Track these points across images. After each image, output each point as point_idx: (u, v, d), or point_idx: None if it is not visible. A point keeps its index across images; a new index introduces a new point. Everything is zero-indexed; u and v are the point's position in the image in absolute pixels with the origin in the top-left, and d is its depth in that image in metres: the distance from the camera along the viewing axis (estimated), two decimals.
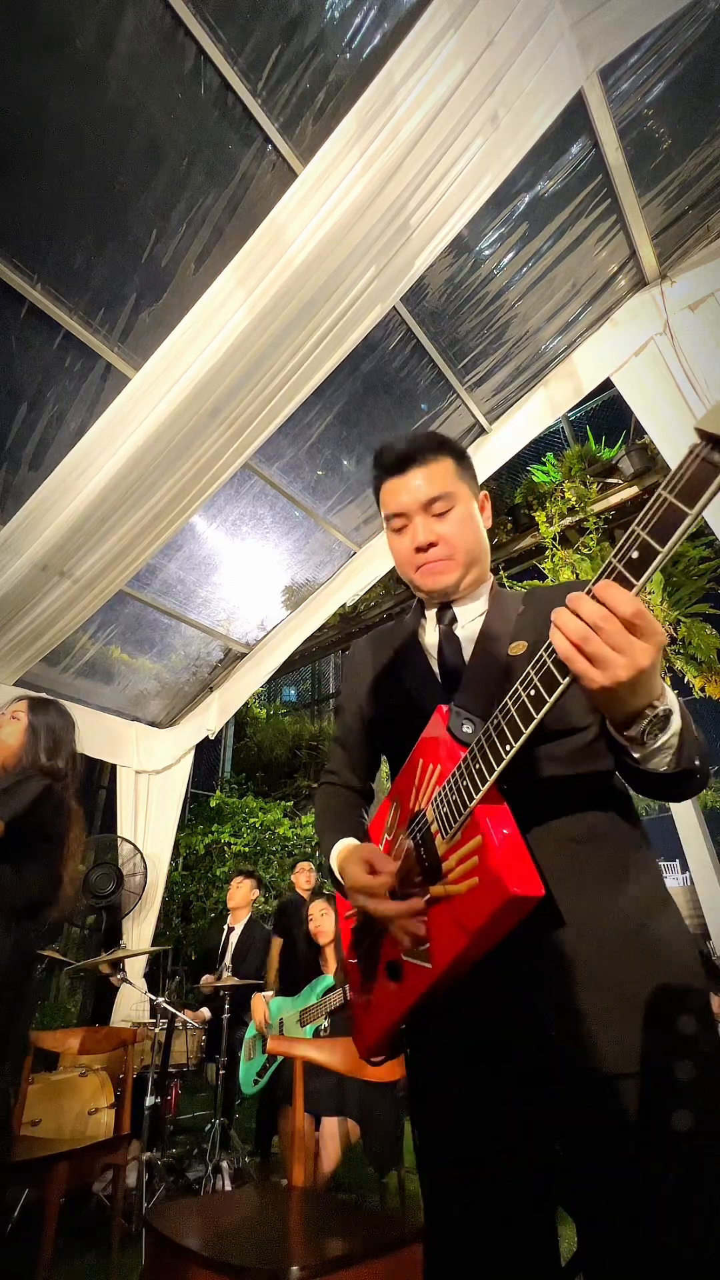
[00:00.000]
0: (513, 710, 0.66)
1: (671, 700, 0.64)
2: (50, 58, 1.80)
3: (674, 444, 2.67)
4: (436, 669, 0.94)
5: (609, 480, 5.23)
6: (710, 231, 2.62)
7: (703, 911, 3.95)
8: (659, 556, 0.54)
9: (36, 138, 1.92)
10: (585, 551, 4.89)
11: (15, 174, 1.98)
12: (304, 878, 4.18)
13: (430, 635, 1.00)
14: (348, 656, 1.16)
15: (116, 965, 3.11)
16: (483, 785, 0.69)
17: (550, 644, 0.61)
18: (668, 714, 0.63)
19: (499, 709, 0.68)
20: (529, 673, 0.65)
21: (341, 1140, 2.32)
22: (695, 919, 4.08)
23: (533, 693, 0.64)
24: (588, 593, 0.58)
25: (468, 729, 0.76)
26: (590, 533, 4.98)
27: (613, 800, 0.82)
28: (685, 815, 4.06)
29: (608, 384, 3.01)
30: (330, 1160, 2.29)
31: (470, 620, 0.96)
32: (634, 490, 5.06)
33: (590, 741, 0.82)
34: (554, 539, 5.03)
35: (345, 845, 0.92)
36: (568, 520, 5.13)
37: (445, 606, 0.99)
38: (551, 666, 0.62)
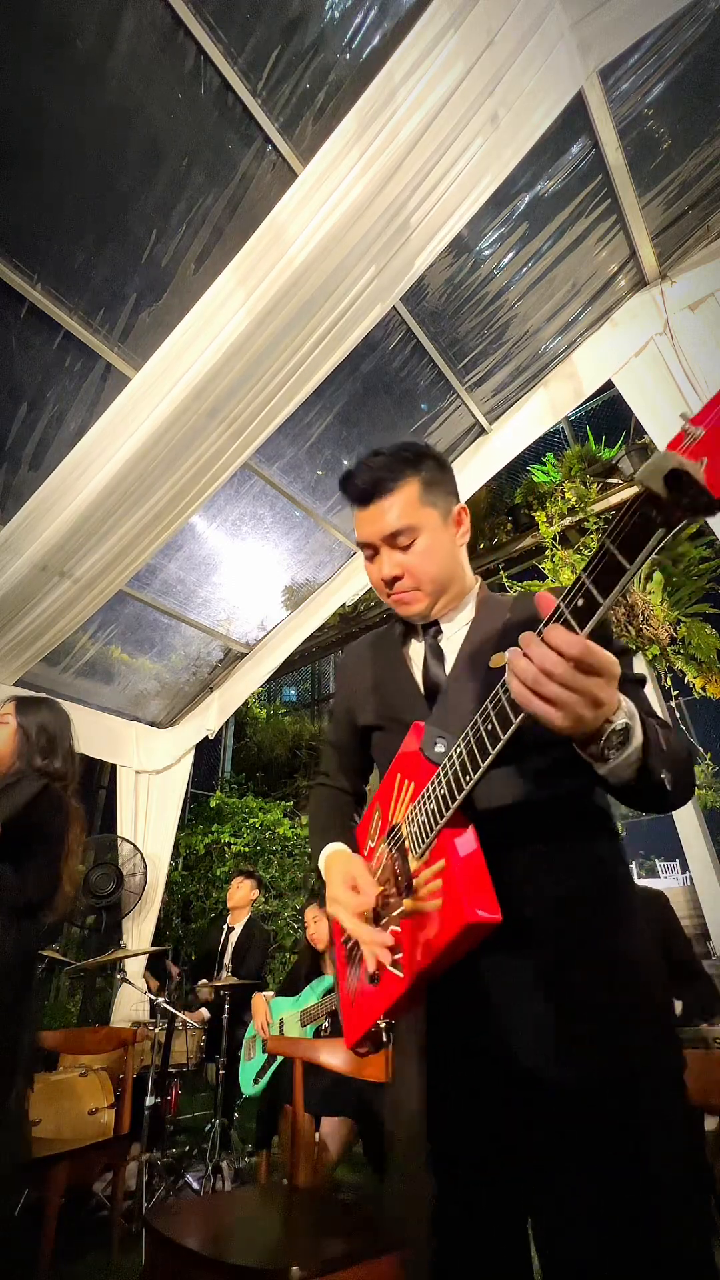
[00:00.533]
0: (473, 743, 0.67)
1: (628, 715, 0.63)
2: (50, 58, 1.80)
3: None
4: (420, 681, 0.95)
5: (609, 480, 5.23)
6: (710, 231, 2.62)
7: (703, 912, 3.94)
8: (601, 607, 0.54)
9: (36, 138, 1.92)
10: (585, 552, 4.89)
11: (15, 174, 1.98)
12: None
13: (415, 646, 1.00)
14: (341, 660, 1.17)
15: (163, 983, 3.06)
16: (446, 811, 0.71)
17: (504, 681, 0.62)
18: (625, 729, 0.63)
19: (461, 739, 0.70)
20: (487, 707, 0.66)
21: (341, 1140, 2.32)
22: (695, 919, 4.07)
23: (489, 727, 0.65)
24: (538, 633, 0.59)
25: (439, 748, 0.77)
26: (590, 533, 4.98)
27: (588, 813, 0.82)
28: (685, 815, 4.06)
29: (608, 384, 3.01)
30: (330, 1160, 2.29)
31: (455, 632, 0.97)
32: (634, 490, 5.05)
33: (569, 754, 0.80)
34: (554, 539, 5.03)
35: (333, 850, 0.95)
36: (568, 520, 5.13)
37: (431, 622, 0.99)
38: (505, 704, 0.63)
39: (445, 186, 2.10)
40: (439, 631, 0.97)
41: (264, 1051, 2.82)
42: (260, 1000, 2.98)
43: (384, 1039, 0.85)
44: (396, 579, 0.92)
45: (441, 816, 0.71)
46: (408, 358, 2.92)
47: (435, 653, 0.95)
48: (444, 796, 0.71)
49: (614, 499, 5.13)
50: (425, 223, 2.16)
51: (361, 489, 0.93)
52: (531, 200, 2.44)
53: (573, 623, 0.56)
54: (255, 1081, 2.81)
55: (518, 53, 1.89)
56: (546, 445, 6.10)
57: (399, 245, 2.19)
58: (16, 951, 1.55)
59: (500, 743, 0.63)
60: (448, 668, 0.93)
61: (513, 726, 0.62)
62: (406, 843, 0.79)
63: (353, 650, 1.12)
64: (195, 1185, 2.58)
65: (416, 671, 0.96)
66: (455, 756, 0.70)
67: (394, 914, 0.79)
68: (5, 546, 2.75)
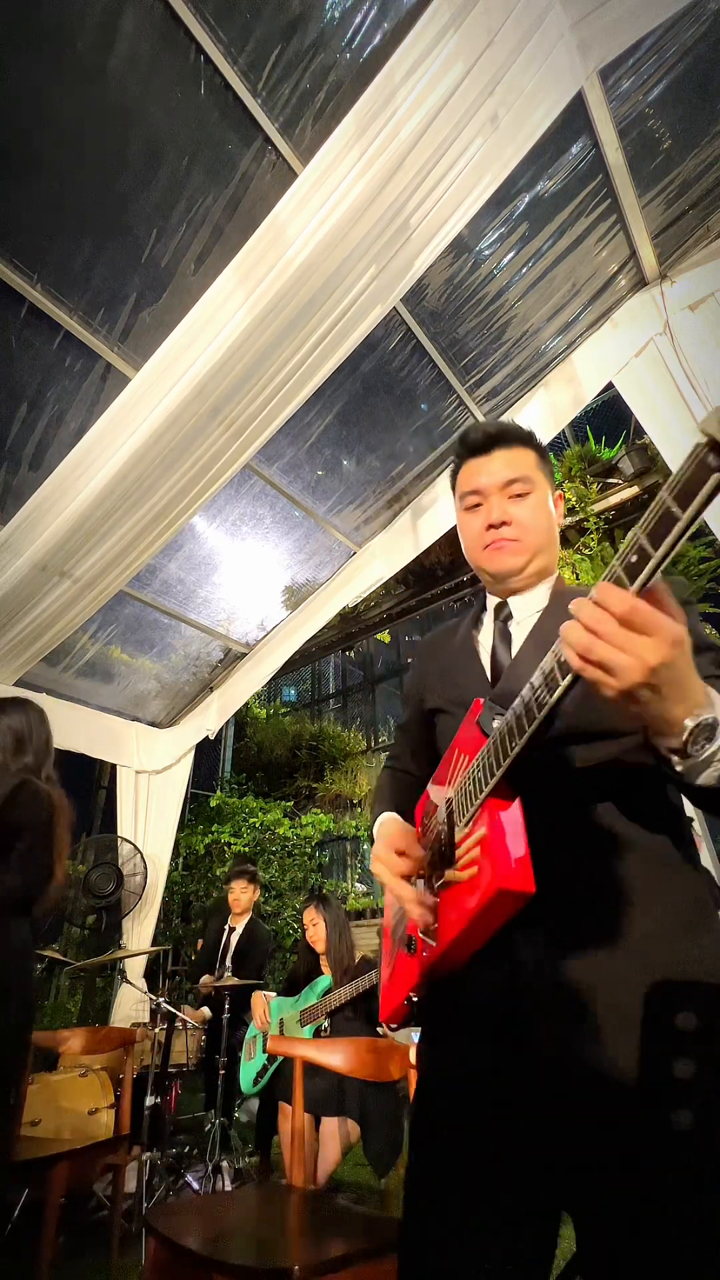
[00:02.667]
0: (520, 710, 0.67)
1: (715, 710, 0.59)
2: (50, 58, 1.80)
3: (674, 444, 2.67)
4: (487, 665, 0.95)
5: (609, 480, 5.23)
6: (710, 231, 2.62)
7: None
8: (653, 560, 0.53)
9: (36, 138, 1.92)
10: (586, 552, 4.89)
11: (15, 174, 1.98)
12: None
13: (485, 632, 1.01)
14: (416, 647, 1.21)
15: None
16: (490, 779, 0.70)
17: (555, 647, 0.61)
18: (713, 725, 0.58)
19: (512, 707, 0.69)
20: (537, 674, 0.65)
21: (341, 1140, 2.32)
22: None
23: (538, 696, 0.64)
24: (590, 596, 0.57)
25: (496, 723, 0.76)
26: (591, 533, 4.98)
27: (653, 811, 0.78)
28: None
29: (608, 384, 3.01)
30: (330, 1160, 2.29)
31: (526, 616, 0.97)
32: (634, 490, 5.06)
33: (634, 748, 0.78)
34: None
35: (386, 818, 0.98)
36: (568, 520, 5.13)
37: (503, 604, 0.99)
38: (556, 668, 0.62)
39: (445, 186, 2.09)
40: (510, 616, 0.98)
41: (264, 1051, 2.82)
42: (260, 998, 2.98)
43: (413, 1011, 0.86)
44: (504, 524, 0.94)
45: (486, 785, 0.71)
46: (408, 358, 2.92)
47: (504, 637, 0.96)
48: (490, 765, 0.71)
49: (614, 499, 5.13)
50: (425, 223, 2.16)
51: (486, 435, 0.99)
52: (531, 200, 2.44)
53: (624, 579, 0.55)
54: (255, 1082, 2.81)
55: (518, 53, 1.89)
56: (546, 445, 6.09)
57: (399, 245, 2.19)
58: (4, 947, 1.55)
59: (545, 708, 0.62)
60: (513, 652, 0.93)
61: (559, 689, 0.61)
62: (454, 814, 0.80)
63: (427, 638, 1.14)
64: (195, 1185, 2.58)
65: (484, 655, 0.97)
66: (505, 726, 0.70)
67: (436, 884, 0.80)
68: (5, 546, 2.75)
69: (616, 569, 0.56)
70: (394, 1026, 0.91)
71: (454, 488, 1.04)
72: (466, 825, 0.75)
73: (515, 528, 0.95)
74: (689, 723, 0.57)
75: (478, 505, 0.98)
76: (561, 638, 0.59)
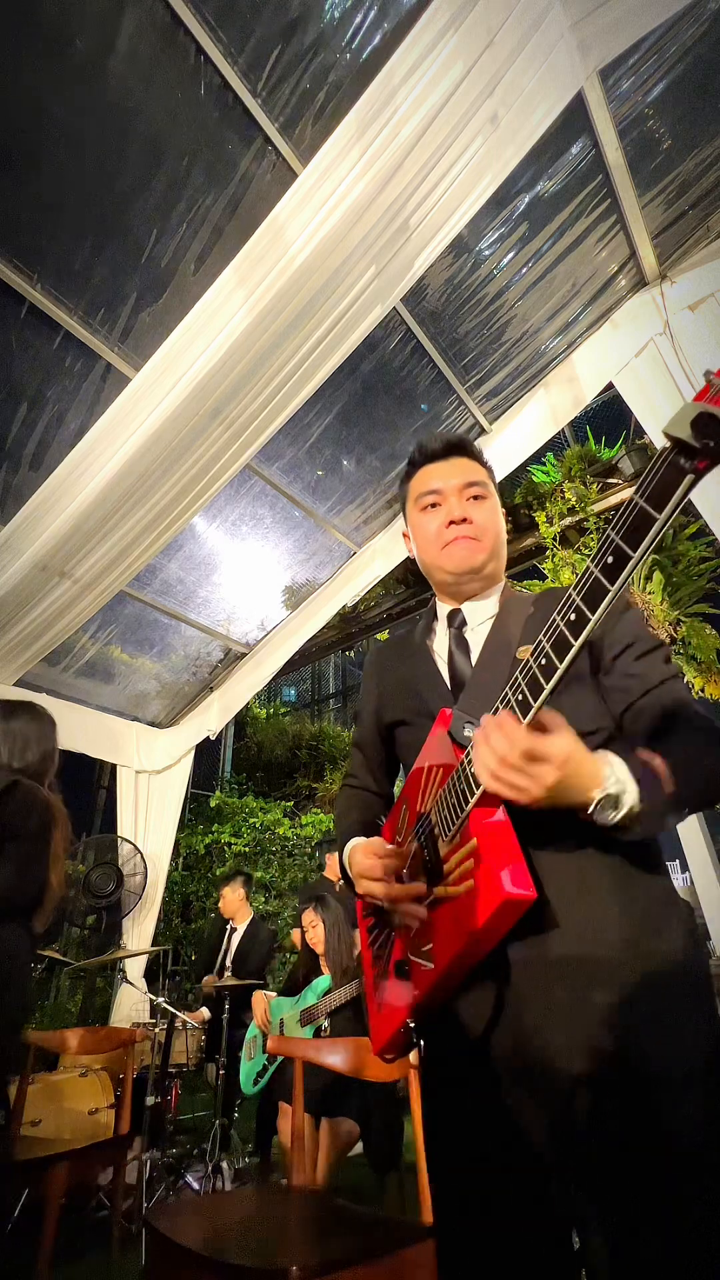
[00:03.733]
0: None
1: (620, 781, 0.66)
2: (50, 58, 1.80)
3: None
4: (445, 674, 0.95)
5: (609, 480, 5.22)
6: (710, 231, 2.62)
7: (703, 912, 3.94)
8: (632, 561, 0.55)
9: (36, 138, 1.92)
10: (586, 552, 4.88)
11: (15, 174, 1.98)
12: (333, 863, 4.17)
13: (440, 640, 1.01)
14: (366, 661, 1.19)
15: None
16: (478, 789, 0.70)
17: (534, 653, 0.65)
18: (615, 799, 0.66)
19: (490, 714, 0.69)
20: (516, 676, 0.67)
21: (341, 1140, 2.32)
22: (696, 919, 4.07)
23: (520, 698, 0.65)
24: (494, 712, 0.67)
25: (468, 732, 0.77)
26: (590, 533, 4.97)
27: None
28: None
29: (608, 384, 3.01)
30: (330, 1160, 2.29)
31: (479, 623, 0.98)
32: (630, 491, 5.06)
33: (598, 746, 0.79)
34: (554, 539, 5.03)
35: (353, 845, 0.95)
36: (568, 520, 5.12)
37: (455, 611, 1.00)
38: (537, 672, 0.64)
39: (445, 186, 2.09)
40: (464, 622, 0.99)
41: (264, 1051, 2.82)
42: (260, 998, 2.98)
43: (412, 1040, 0.83)
44: (465, 520, 0.97)
45: (473, 794, 0.71)
46: (408, 358, 2.92)
47: (460, 644, 0.96)
48: (474, 774, 0.71)
49: (614, 499, 5.12)
50: (425, 223, 2.16)
51: (445, 443, 1.03)
52: (531, 200, 2.44)
53: (604, 581, 0.57)
54: (255, 1082, 2.81)
55: (518, 53, 1.88)
56: (546, 445, 6.07)
57: (399, 245, 2.19)
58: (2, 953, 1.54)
59: (532, 710, 0.64)
60: (473, 659, 0.93)
61: (544, 694, 0.63)
62: (436, 829, 0.78)
63: (377, 651, 1.14)
64: (195, 1185, 2.58)
65: (442, 664, 0.97)
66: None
67: (425, 903, 0.78)
68: (5, 546, 2.75)
69: (594, 571, 0.59)
70: (389, 1057, 0.88)
71: (406, 494, 1.06)
72: (454, 838, 0.74)
73: (475, 526, 0.97)
74: (595, 796, 0.66)
75: (435, 505, 0.99)
76: (474, 753, 0.68)
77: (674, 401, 2.65)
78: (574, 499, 5.10)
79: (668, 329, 2.68)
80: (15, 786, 1.66)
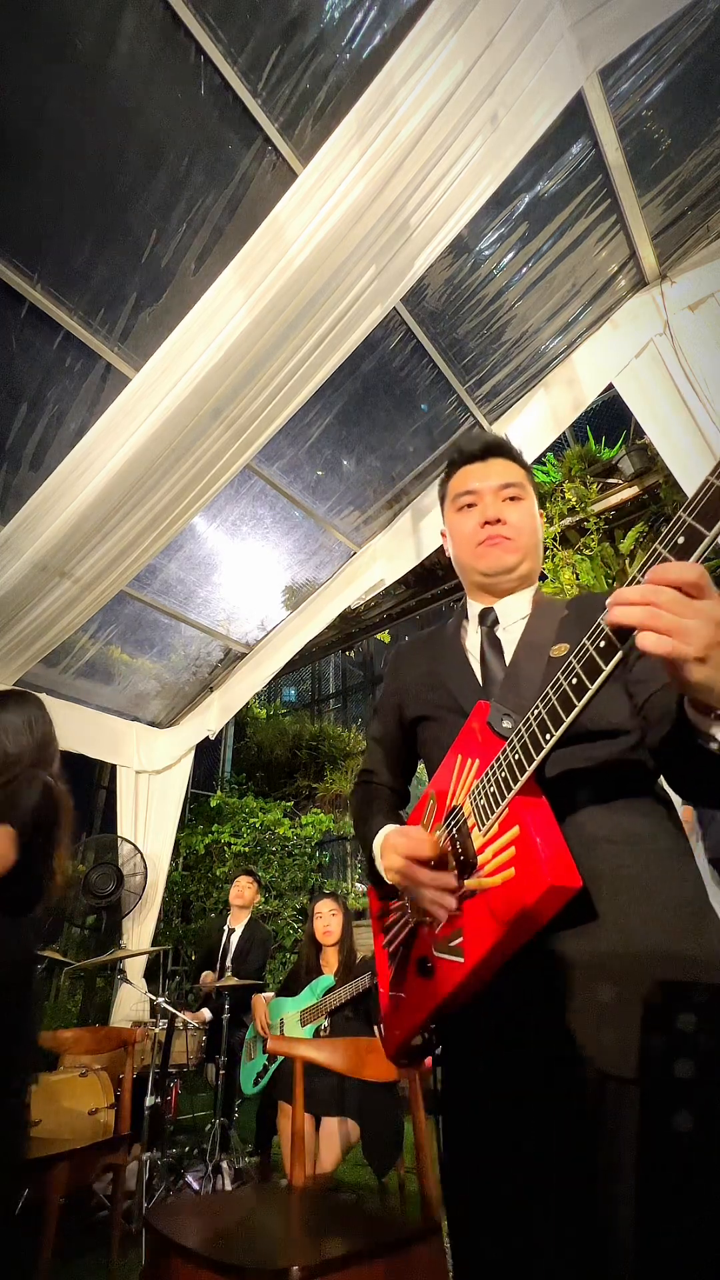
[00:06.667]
0: (554, 699, 0.66)
1: None
2: (50, 58, 1.80)
3: (674, 444, 2.66)
4: (477, 670, 0.95)
5: (609, 480, 5.22)
6: (710, 231, 2.62)
7: None
8: (708, 537, 0.54)
9: (36, 138, 1.92)
10: (586, 552, 4.89)
11: (15, 174, 1.98)
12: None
13: (472, 638, 1.01)
14: (390, 658, 1.18)
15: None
16: (521, 776, 0.69)
17: (593, 631, 0.62)
18: None
19: (540, 699, 0.68)
20: (570, 661, 0.65)
21: (341, 1140, 2.32)
22: None
23: (574, 681, 0.64)
24: (639, 576, 0.58)
25: (506, 724, 0.77)
26: (591, 533, 4.98)
27: (652, 806, 0.80)
28: (685, 816, 4.06)
29: (608, 384, 3.01)
30: (330, 1160, 2.29)
31: (512, 623, 0.97)
32: (634, 490, 5.06)
33: (631, 746, 0.81)
34: (554, 539, 5.03)
35: (384, 833, 0.94)
36: (568, 520, 5.12)
37: (487, 610, 1.00)
38: (594, 654, 0.62)
39: (445, 187, 2.09)
40: (496, 621, 0.98)
41: (264, 1052, 2.82)
42: (260, 1001, 2.98)
43: (430, 1043, 0.82)
44: (500, 521, 0.98)
45: (515, 783, 0.69)
46: (408, 358, 2.91)
47: (493, 642, 0.96)
48: (518, 762, 0.69)
49: (614, 499, 5.12)
50: (425, 223, 2.16)
51: (484, 444, 1.05)
52: (531, 200, 2.44)
53: (670, 560, 0.56)
54: (255, 1083, 2.81)
55: (518, 53, 1.88)
56: (547, 445, 6.09)
57: (399, 245, 2.19)
58: (12, 949, 1.54)
59: (589, 692, 0.62)
60: (506, 659, 0.93)
61: (603, 674, 0.60)
62: (470, 820, 0.77)
63: (405, 645, 1.14)
64: (195, 1185, 2.58)
65: (474, 662, 0.97)
66: (533, 719, 0.69)
67: (457, 895, 0.76)
68: (5, 546, 2.75)
69: (663, 552, 0.56)
70: (404, 1062, 0.86)
71: (445, 494, 1.06)
72: (490, 829, 0.73)
73: (509, 527, 0.98)
74: None
75: (471, 505, 1.00)
76: (611, 619, 0.58)
77: (674, 402, 2.65)
78: (574, 499, 5.10)
79: (668, 329, 2.68)
80: (45, 786, 1.65)
